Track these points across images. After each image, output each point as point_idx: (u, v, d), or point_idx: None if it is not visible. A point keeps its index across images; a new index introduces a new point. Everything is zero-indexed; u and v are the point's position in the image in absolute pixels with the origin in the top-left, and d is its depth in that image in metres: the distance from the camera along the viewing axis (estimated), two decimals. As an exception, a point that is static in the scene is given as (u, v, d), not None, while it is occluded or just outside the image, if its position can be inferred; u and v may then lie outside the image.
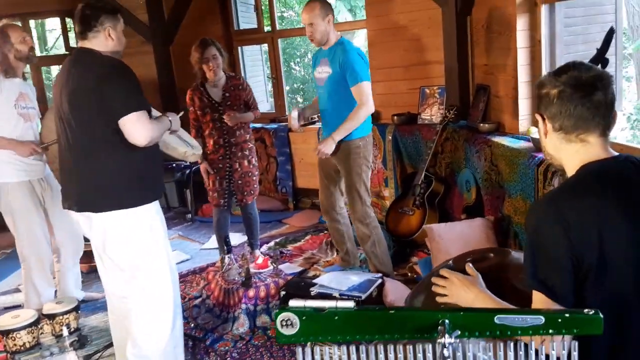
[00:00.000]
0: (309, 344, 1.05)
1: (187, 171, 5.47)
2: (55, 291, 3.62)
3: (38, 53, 8.94)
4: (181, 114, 2.82)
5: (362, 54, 3.37)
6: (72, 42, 6.11)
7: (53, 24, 11.54)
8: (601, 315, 0.97)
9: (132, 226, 2.44)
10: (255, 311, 3.31)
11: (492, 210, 3.53)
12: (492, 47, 3.82)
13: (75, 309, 3.28)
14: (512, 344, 1.00)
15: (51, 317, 3.20)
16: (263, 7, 6.11)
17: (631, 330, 1.34)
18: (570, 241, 1.31)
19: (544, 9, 3.31)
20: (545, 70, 3.35)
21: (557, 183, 2.72)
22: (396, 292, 3.18)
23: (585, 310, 0.98)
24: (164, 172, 4.30)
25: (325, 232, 4.46)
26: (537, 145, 3.03)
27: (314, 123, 5.15)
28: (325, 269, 3.83)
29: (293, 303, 1.02)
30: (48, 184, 3.43)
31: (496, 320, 0.96)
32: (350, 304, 1.01)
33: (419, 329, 0.99)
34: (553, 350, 0.98)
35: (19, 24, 3.90)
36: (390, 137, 4.58)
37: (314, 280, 3.29)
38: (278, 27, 5.97)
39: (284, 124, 5.59)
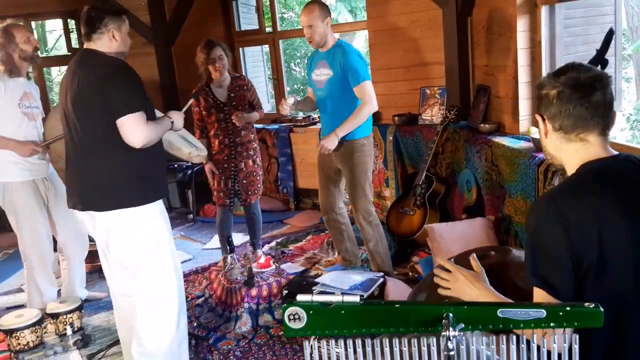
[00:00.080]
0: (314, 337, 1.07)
1: (189, 172, 5.50)
2: (59, 290, 3.64)
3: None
4: (190, 102, 2.85)
5: (360, 55, 3.41)
6: (74, 43, 6.13)
7: (53, 25, 11.56)
8: (601, 309, 0.99)
9: (134, 225, 2.45)
10: (257, 310, 3.33)
11: (493, 210, 3.55)
12: (493, 48, 3.84)
13: (79, 308, 3.30)
14: (514, 337, 1.02)
15: (55, 316, 3.22)
16: (264, 9, 6.13)
17: (631, 330, 1.35)
18: (570, 240, 1.33)
19: (544, 10, 3.33)
20: (545, 71, 3.36)
21: (557, 183, 2.74)
22: (398, 291, 3.20)
23: (586, 304, 1.00)
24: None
25: (327, 232, 4.48)
26: (538, 145, 3.05)
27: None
28: (327, 269, 3.84)
29: (301, 298, 1.04)
30: (51, 183, 3.45)
31: (499, 314, 0.98)
32: (356, 298, 1.04)
33: (424, 323, 1.01)
34: (554, 343, 1.00)
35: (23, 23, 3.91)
36: (391, 138, 4.60)
37: (316, 280, 3.30)
38: (279, 28, 5.99)
39: (285, 124, 5.61)
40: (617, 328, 1.34)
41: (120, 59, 2.48)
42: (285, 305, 1.03)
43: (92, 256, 3.64)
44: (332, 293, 3.03)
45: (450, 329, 0.99)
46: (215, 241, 4.64)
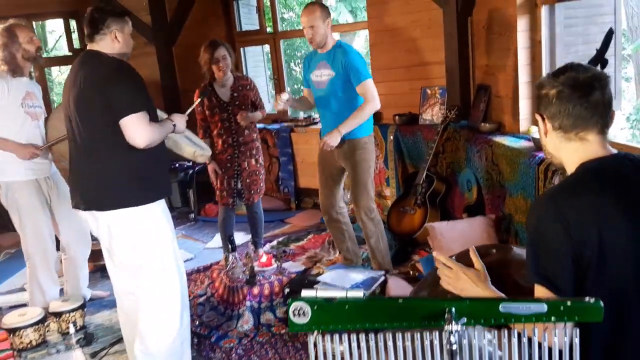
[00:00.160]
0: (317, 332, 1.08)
1: (190, 171, 5.51)
2: (61, 289, 3.65)
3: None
4: (195, 104, 2.86)
5: (360, 55, 3.44)
6: (75, 44, 6.15)
7: (53, 25, 11.57)
8: (601, 303, 1.01)
9: (134, 225, 2.47)
10: (259, 308, 3.35)
11: (493, 209, 3.56)
12: (493, 48, 3.85)
13: (82, 307, 3.32)
14: (515, 332, 1.04)
15: (58, 315, 3.24)
16: (265, 9, 6.15)
17: (631, 328, 1.36)
18: (570, 239, 1.34)
19: (544, 10, 3.34)
20: (545, 70, 3.38)
21: (557, 182, 2.75)
22: (399, 290, 3.22)
23: (587, 299, 1.02)
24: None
25: (327, 231, 4.49)
26: (538, 145, 3.07)
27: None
28: (328, 268, 3.86)
29: (305, 293, 1.06)
30: (54, 183, 3.46)
31: (501, 309, 1.00)
32: (359, 293, 1.05)
33: (427, 317, 1.03)
34: (555, 337, 1.02)
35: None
36: (391, 137, 4.62)
37: (318, 278, 3.32)
38: (280, 28, 6.01)
39: (286, 124, 5.62)
40: (617, 326, 1.35)
41: (123, 60, 2.50)
42: (291, 300, 1.05)
43: (95, 255, 3.66)
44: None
45: (453, 322, 1.00)
46: (216, 240, 4.66)
